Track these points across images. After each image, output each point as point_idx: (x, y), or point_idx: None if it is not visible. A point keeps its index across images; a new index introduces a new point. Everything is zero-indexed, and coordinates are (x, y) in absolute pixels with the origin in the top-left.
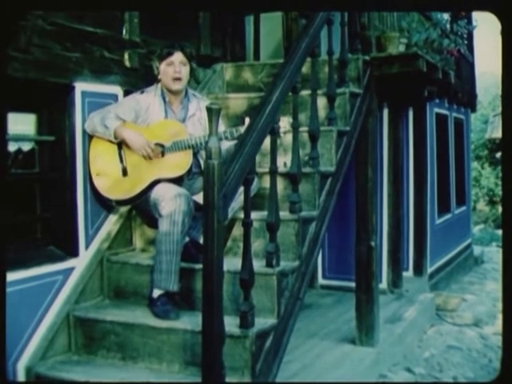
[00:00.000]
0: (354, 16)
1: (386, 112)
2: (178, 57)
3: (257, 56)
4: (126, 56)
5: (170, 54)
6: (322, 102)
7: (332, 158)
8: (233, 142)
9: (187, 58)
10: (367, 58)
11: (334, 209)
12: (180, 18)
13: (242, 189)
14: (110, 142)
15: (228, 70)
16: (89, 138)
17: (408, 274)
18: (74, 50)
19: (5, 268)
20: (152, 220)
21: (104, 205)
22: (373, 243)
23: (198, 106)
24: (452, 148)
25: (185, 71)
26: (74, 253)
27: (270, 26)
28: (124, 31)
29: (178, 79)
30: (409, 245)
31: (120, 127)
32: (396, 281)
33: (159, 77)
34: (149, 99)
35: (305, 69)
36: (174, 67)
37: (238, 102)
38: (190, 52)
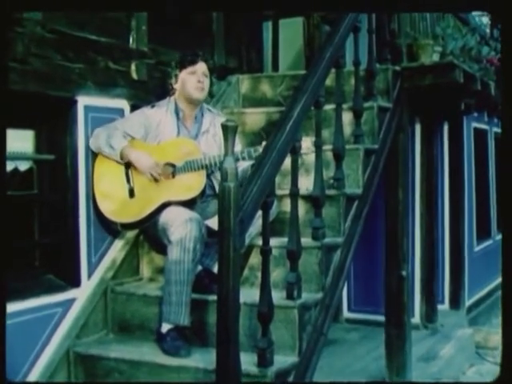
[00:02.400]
0: (382, 22)
1: (418, 128)
2: (201, 66)
3: (275, 66)
4: (133, 67)
5: (193, 62)
6: (347, 117)
7: (359, 179)
8: (249, 162)
9: (209, 69)
10: (397, 68)
11: (361, 235)
12: (192, 25)
13: (260, 213)
14: (116, 161)
15: (244, 83)
16: (93, 156)
17: (443, 306)
18: (76, 60)
19: (5, 297)
20: (161, 246)
21: (109, 229)
22: (404, 272)
23: (213, 121)
24: (492, 166)
25: (206, 83)
26: (75, 283)
27: (290, 33)
28: (131, 40)
29: (201, 88)
30: (444, 274)
31: (127, 148)
32: (430, 314)
33: (175, 86)
34: (160, 114)
35: (329, 81)
36: (197, 77)
37: (255, 117)
38: (211, 64)
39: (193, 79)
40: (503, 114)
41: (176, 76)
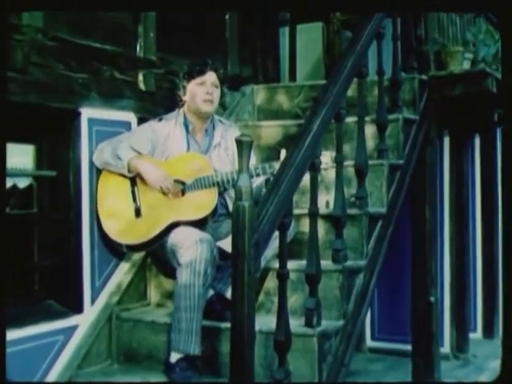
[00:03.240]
0: (408, 28)
1: (446, 141)
2: (210, 77)
3: (293, 76)
4: (141, 77)
5: (202, 72)
6: (370, 130)
7: (383, 197)
8: (262, 178)
9: (219, 79)
10: (424, 77)
11: (386, 257)
12: (203, 32)
13: (276, 234)
14: (122, 177)
15: (259, 93)
16: (97, 172)
17: (476, 335)
18: (79, 69)
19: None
20: (170, 270)
21: (114, 251)
22: (432, 298)
23: (225, 133)
24: None
25: (216, 94)
26: (77, 308)
27: (308, 40)
28: (138, 48)
29: (210, 101)
30: (476, 300)
31: (135, 159)
32: (461, 343)
33: (184, 97)
34: (168, 128)
35: (350, 92)
36: (206, 88)
37: (271, 130)
38: (222, 73)
39: (201, 91)
40: (504, 115)
41: (184, 87)
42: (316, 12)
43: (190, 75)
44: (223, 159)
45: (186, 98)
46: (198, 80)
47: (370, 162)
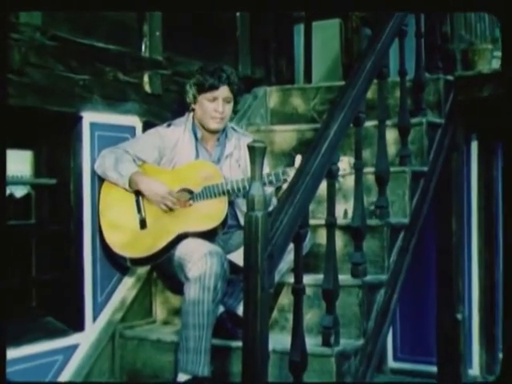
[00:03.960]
0: (433, 25)
1: (474, 146)
2: (223, 92)
3: (308, 77)
4: (146, 78)
5: (213, 87)
6: (392, 135)
7: (405, 207)
8: (273, 188)
9: (233, 93)
10: (450, 77)
11: (409, 271)
12: (212, 31)
13: (291, 246)
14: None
15: (272, 95)
16: (99, 181)
17: None
18: (80, 70)
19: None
20: (177, 285)
21: (117, 265)
22: (459, 315)
23: (238, 143)
24: None
25: (228, 109)
26: (78, 326)
27: (325, 38)
28: (143, 47)
29: (220, 119)
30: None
31: (136, 174)
32: (491, 365)
33: (193, 106)
34: (177, 134)
35: (370, 94)
36: (217, 105)
37: (285, 135)
38: (238, 86)
39: (211, 107)
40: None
41: (194, 97)
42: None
43: (201, 87)
44: (234, 170)
45: (195, 106)
46: (209, 95)
47: (392, 169)
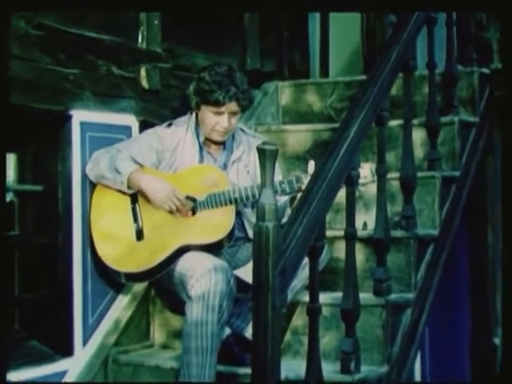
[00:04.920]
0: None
1: None
2: (230, 107)
3: (325, 70)
4: (143, 72)
5: (219, 103)
6: (419, 135)
7: (434, 217)
8: (287, 196)
9: (241, 107)
10: (486, 71)
11: (439, 289)
12: (217, 19)
13: (306, 261)
14: (121, 192)
15: (285, 91)
16: (91, 187)
17: None
18: (70, 64)
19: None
20: (177, 304)
21: (110, 282)
22: (497, 339)
23: (247, 146)
24: None
25: (234, 121)
26: (66, 350)
27: (344, 27)
28: (140, 38)
29: (223, 132)
30: None
31: (137, 172)
32: None
33: (197, 111)
34: (178, 136)
35: (395, 89)
36: (222, 119)
37: (298, 136)
38: (248, 98)
39: (215, 120)
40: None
41: (197, 104)
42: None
43: (205, 99)
44: (242, 176)
45: (198, 112)
46: (213, 109)
47: (419, 174)
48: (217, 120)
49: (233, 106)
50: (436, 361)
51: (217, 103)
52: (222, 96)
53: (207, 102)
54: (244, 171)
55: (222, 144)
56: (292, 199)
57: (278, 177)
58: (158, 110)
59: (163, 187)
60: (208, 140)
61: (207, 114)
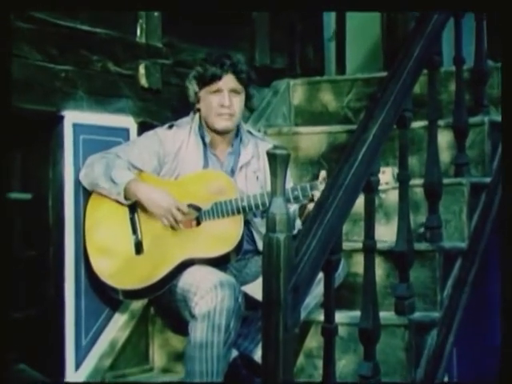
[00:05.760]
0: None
1: None
2: (228, 82)
3: (341, 67)
4: (142, 70)
5: (215, 77)
6: (445, 138)
7: (462, 228)
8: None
9: (242, 82)
10: None
11: (468, 308)
12: (224, 11)
13: (321, 276)
14: (118, 201)
15: (297, 90)
16: (85, 195)
17: None
18: (62, 60)
19: None
20: (180, 323)
21: (106, 299)
22: None
23: (256, 150)
24: None
25: (237, 103)
26: (57, 375)
27: (362, 19)
28: (138, 31)
29: (227, 115)
30: None
31: (134, 182)
32: None
33: (197, 106)
34: (180, 138)
35: (418, 87)
36: (222, 97)
37: (312, 139)
38: (247, 74)
39: (215, 101)
40: (503, 116)
41: (196, 93)
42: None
43: (201, 80)
44: (251, 183)
45: (199, 106)
46: (212, 87)
47: (445, 181)
48: (217, 100)
49: (231, 80)
50: None
51: (213, 78)
52: (217, 69)
53: (204, 82)
54: (253, 177)
55: (230, 146)
56: (300, 208)
57: (290, 184)
58: (158, 110)
59: (163, 199)
60: (215, 134)
61: (207, 98)
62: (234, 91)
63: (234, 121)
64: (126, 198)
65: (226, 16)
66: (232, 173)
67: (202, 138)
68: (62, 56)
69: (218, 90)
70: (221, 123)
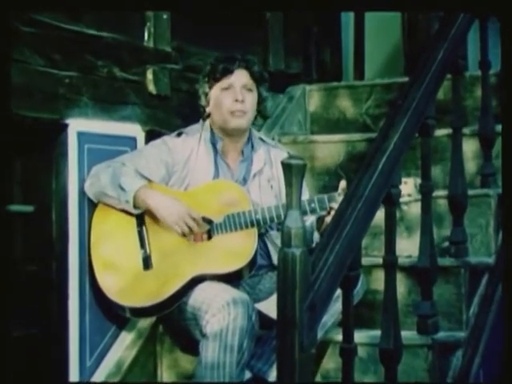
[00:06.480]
0: None
1: None
2: (240, 77)
3: (360, 71)
4: (150, 75)
5: (227, 71)
6: (470, 147)
7: (489, 242)
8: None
9: (255, 79)
10: None
11: (496, 327)
12: (236, 13)
13: (339, 293)
14: (126, 213)
15: (313, 96)
16: (90, 206)
17: None
18: (66, 65)
19: None
20: (190, 342)
21: (112, 317)
22: None
23: (268, 157)
24: None
25: (250, 100)
26: None
27: (382, 21)
28: (146, 35)
29: (240, 112)
30: None
31: (144, 189)
32: None
33: (208, 109)
34: (189, 146)
35: (442, 93)
36: (234, 93)
37: (329, 148)
38: (259, 70)
39: (227, 98)
40: (503, 116)
41: (206, 94)
42: None
43: (211, 76)
44: (266, 193)
45: (209, 108)
46: (223, 83)
47: (471, 192)
48: (230, 96)
49: (243, 75)
50: None
51: (225, 72)
52: (229, 63)
53: (215, 78)
54: (267, 186)
55: (241, 153)
56: (318, 221)
57: (305, 195)
58: (166, 118)
59: (175, 206)
60: (228, 138)
61: (218, 95)
62: (246, 88)
63: (247, 119)
64: (135, 206)
65: (238, 17)
66: (244, 181)
67: (213, 145)
68: (65, 61)
69: (230, 86)
70: (233, 121)
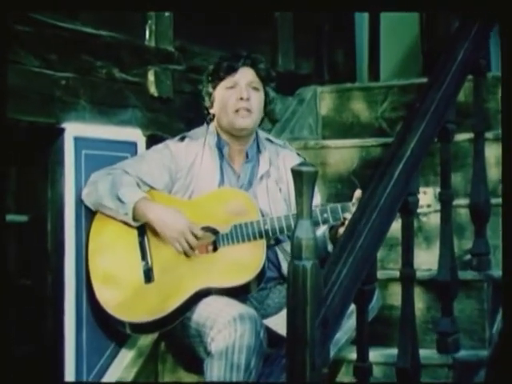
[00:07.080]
0: None
1: None
2: (245, 75)
3: (375, 72)
4: (152, 77)
5: (231, 69)
6: (493, 152)
7: None
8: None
9: (261, 77)
10: None
11: None
12: (242, 12)
13: (352, 308)
14: (126, 223)
15: (325, 98)
16: (88, 216)
17: None
18: (62, 66)
19: None
20: (194, 360)
21: (112, 333)
22: None
23: (276, 158)
24: None
25: (256, 99)
26: None
27: (398, 19)
28: (147, 34)
29: (245, 110)
30: None
31: (144, 201)
32: None
33: (212, 110)
34: (193, 150)
35: (462, 95)
36: (239, 91)
37: (342, 154)
38: (266, 69)
39: (232, 97)
40: (503, 116)
41: (210, 95)
42: None
43: (215, 75)
44: (274, 196)
45: (214, 110)
46: (228, 82)
47: (494, 201)
48: (235, 95)
49: (248, 73)
50: None
51: (229, 70)
52: (233, 60)
53: (219, 77)
54: (275, 189)
55: (245, 155)
56: (330, 231)
57: (317, 202)
58: (169, 121)
59: (176, 221)
60: (233, 141)
61: (223, 94)
62: (251, 86)
63: (253, 119)
64: (134, 219)
65: (245, 16)
66: (250, 184)
67: (220, 150)
68: (61, 61)
69: (235, 84)
70: (239, 121)
